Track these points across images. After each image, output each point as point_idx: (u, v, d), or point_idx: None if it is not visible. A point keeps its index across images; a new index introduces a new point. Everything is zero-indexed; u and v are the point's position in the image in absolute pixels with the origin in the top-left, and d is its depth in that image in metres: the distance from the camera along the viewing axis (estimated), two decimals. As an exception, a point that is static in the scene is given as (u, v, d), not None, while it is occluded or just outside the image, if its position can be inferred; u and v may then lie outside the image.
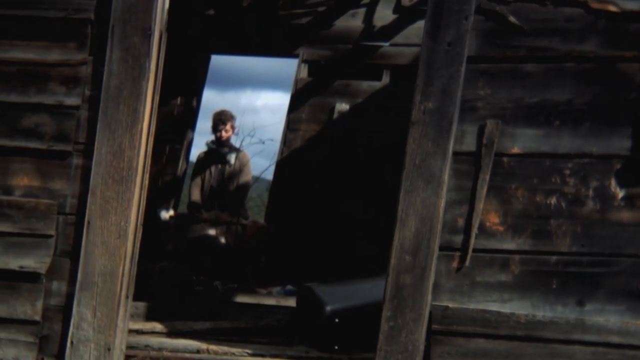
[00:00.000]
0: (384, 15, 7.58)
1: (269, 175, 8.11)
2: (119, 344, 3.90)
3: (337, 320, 4.36)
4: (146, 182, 3.96)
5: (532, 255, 3.61)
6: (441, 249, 3.66)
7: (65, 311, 3.89)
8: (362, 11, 7.68)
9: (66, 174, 3.92)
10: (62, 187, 3.92)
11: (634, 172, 3.56)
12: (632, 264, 3.54)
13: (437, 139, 3.65)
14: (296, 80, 7.83)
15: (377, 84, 7.67)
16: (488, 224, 3.65)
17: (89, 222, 3.85)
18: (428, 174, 3.65)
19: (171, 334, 4.53)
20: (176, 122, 8.16)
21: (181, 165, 8.27)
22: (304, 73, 7.84)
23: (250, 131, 8.45)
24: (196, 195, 7.22)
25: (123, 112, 3.85)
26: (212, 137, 7.28)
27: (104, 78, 3.87)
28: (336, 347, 4.26)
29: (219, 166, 7.21)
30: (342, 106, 7.61)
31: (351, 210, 7.30)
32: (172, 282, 5.94)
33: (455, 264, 3.66)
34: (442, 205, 3.64)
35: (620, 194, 3.57)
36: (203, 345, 4.16)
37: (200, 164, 7.36)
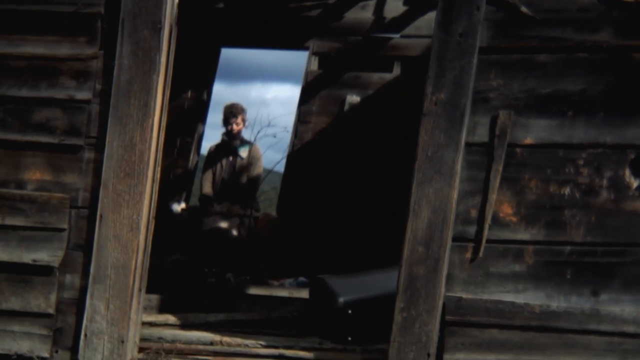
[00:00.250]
0: (395, 6, 7.54)
1: (281, 168, 8.11)
2: (132, 336, 3.91)
3: (350, 311, 4.35)
4: (158, 175, 3.97)
5: (546, 246, 3.60)
6: (454, 240, 3.65)
7: (79, 304, 3.91)
8: (372, 3, 7.64)
9: (78, 167, 3.93)
10: (74, 181, 3.93)
11: (649, 162, 3.54)
12: (646, 254, 3.53)
13: (449, 131, 3.64)
14: (306, 73, 7.81)
15: (387, 76, 7.64)
16: (501, 214, 3.63)
17: (101, 216, 3.86)
18: (440, 165, 3.64)
19: (184, 326, 4.54)
20: (187, 115, 8.17)
21: (192, 158, 8.28)
22: (315, 65, 7.82)
23: (265, 123, 8.45)
24: (207, 188, 7.23)
25: (134, 106, 3.86)
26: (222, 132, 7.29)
27: (115, 72, 3.87)
28: (349, 339, 4.26)
29: (230, 159, 7.21)
30: (353, 98, 7.59)
31: (359, 203, 7.28)
32: (185, 274, 5.95)
33: (468, 255, 3.65)
34: (454, 196, 3.63)
35: (635, 183, 3.55)
36: (216, 337, 4.17)
37: (211, 157, 7.37)
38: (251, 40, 8.03)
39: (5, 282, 3.95)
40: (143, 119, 3.85)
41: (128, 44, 3.85)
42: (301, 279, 6.22)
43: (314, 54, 7.79)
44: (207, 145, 7.94)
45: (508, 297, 3.61)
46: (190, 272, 6.05)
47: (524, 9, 3.61)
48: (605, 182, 3.57)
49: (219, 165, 7.23)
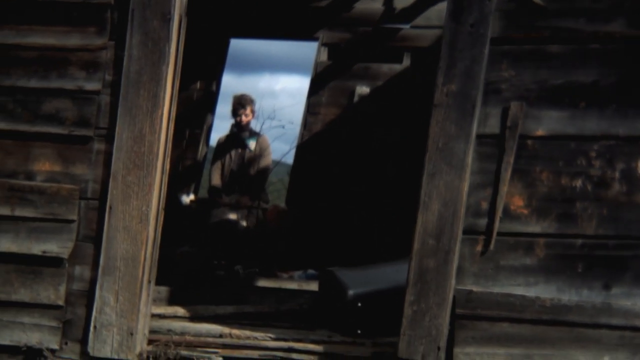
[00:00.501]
0: (404, -4, 7.50)
1: (290, 159, 8.08)
2: (142, 328, 3.91)
3: (359, 304, 4.34)
4: (167, 166, 3.96)
5: (557, 239, 3.57)
6: (465, 232, 3.62)
7: (88, 296, 3.91)
8: (382, -7, 7.60)
9: (87, 158, 3.93)
10: (84, 172, 3.93)
11: (662, 154, 3.51)
12: (659, 247, 3.50)
13: (461, 122, 3.61)
14: (316, 64, 7.78)
15: (397, 67, 7.60)
16: (512, 207, 3.61)
17: (110, 207, 3.85)
18: (451, 157, 3.61)
19: (193, 318, 4.53)
20: (196, 106, 8.15)
21: (201, 149, 8.27)
22: (324, 56, 7.79)
23: (270, 114, 8.44)
24: (216, 180, 7.23)
25: (143, 97, 3.84)
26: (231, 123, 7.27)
27: (124, 63, 3.86)
28: (359, 332, 4.24)
29: (239, 150, 7.20)
30: (363, 89, 7.56)
31: (369, 195, 7.26)
32: (194, 266, 5.95)
33: (479, 248, 3.62)
34: (465, 188, 3.61)
35: (647, 176, 3.52)
36: (226, 330, 4.16)
37: (220, 148, 7.35)
38: (260, 31, 8.00)
39: (15, 274, 3.95)
40: (152, 109, 3.84)
41: (138, 34, 3.84)
42: (310, 271, 6.20)
43: (323, 44, 7.75)
44: (216, 136, 7.93)
45: (519, 291, 3.59)
46: (199, 264, 6.06)
47: (536, -1, 3.58)
48: (617, 175, 3.53)
49: (228, 157, 7.22)
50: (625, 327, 3.51)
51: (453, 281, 3.62)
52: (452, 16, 3.64)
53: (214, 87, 8.31)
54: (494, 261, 3.61)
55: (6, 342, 3.96)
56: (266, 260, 6.45)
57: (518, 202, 3.61)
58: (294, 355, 3.94)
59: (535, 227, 3.59)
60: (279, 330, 4.25)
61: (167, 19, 3.83)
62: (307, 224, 7.16)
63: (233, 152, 7.20)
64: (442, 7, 7.12)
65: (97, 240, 3.89)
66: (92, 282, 3.89)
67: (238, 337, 4.11)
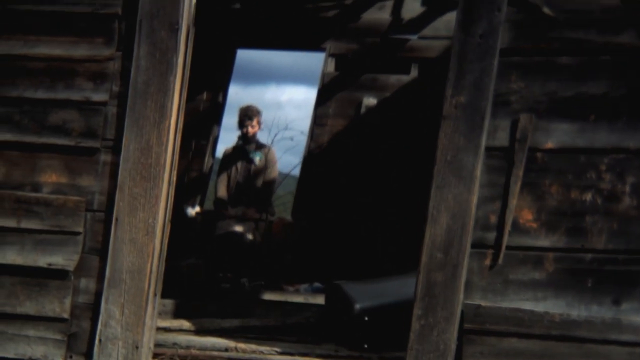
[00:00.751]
0: (412, 7, 7.49)
1: (298, 172, 8.08)
2: (147, 341, 3.88)
3: (366, 318, 4.31)
4: (174, 178, 3.93)
5: (566, 253, 3.53)
6: (473, 246, 3.58)
7: (94, 309, 3.88)
8: (389, 3, 7.60)
9: (94, 170, 3.90)
10: (90, 184, 3.90)
11: (673, 168, 3.47)
12: (670, 262, 3.45)
13: (469, 134, 3.58)
14: (323, 75, 7.77)
15: (405, 78, 7.59)
16: (521, 220, 3.57)
17: (117, 219, 3.83)
18: (460, 169, 3.58)
19: (199, 331, 4.51)
20: (202, 117, 8.15)
21: (207, 161, 8.26)
22: (331, 67, 7.78)
23: (283, 125, 8.45)
24: (222, 192, 7.21)
25: (151, 108, 3.83)
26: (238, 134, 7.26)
27: (132, 73, 3.84)
28: (366, 346, 4.21)
29: (245, 162, 7.18)
30: (370, 100, 7.54)
31: (376, 207, 7.23)
32: (199, 279, 5.93)
33: (487, 262, 3.58)
34: (474, 201, 3.57)
35: (659, 190, 3.48)
36: (231, 344, 4.13)
37: (226, 160, 7.34)
38: (267, 42, 8.00)
39: (20, 286, 3.92)
40: (160, 120, 3.82)
41: (145, 45, 3.82)
42: (316, 284, 6.18)
43: (330, 55, 7.75)
44: (222, 148, 7.92)
45: (527, 306, 3.54)
46: (204, 276, 6.03)
47: (546, 10, 3.55)
48: (627, 188, 3.50)
49: (234, 169, 7.20)
50: (635, 344, 3.46)
51: (461, 295, 3.58)
52: (461, 27, 3.61)
53: (220, 98, 8.30)
54: (503, 275, 3.57)
55: (11, 355, 3.93)
56: (272, 273, 6.43)
57: (527, 216, 3.57)
58: (301, 370, 3.92)
59: (544, 241, 3.55)
60: (285, 344, 4.22)
61: (174, 30, 3.81)
62: (314, 236, 7.13)
63: (239, 164, 7.19)
64: (450, 17, 7.15)
65: (103, 253, 3.86)
66: (98, 294, 3.86)
67: (244, 351, 4.08)
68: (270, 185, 7.23)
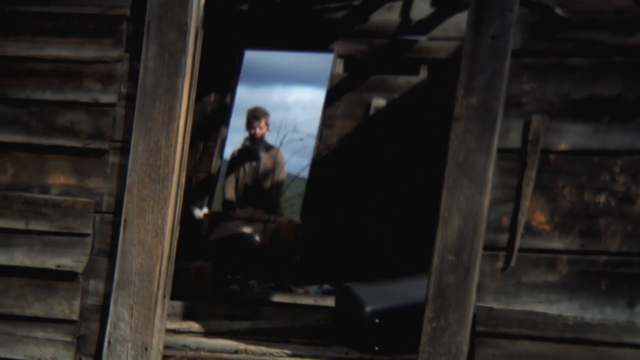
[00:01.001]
0: (422, 8, 7.46)
1: (307, 174, 8.05)
2: (156, 343, 3.86)
3: (377, 320, 4.28)
4: (183, 180, 3.92)
5: (580, 255, 3.50)
6: (485, 248, 3.56)
7: (102, 310, 3.87)
8: (398, 4, 7.56)
9: (102, 172, 3.89)
10: (99, 186, 3.89)
11: (688, 169, 3.43)
12: (685, 265, 3.42)
13: (481, 135, 3.55)
14: (331, 76, 7.75)
15: (414, 79, 7.55)
16: (534, 222, 3.54)
17: (125, 221, 3.81)
18: (472, 171, 3.55)
19: (208, 333, 4.48)
20: (210, 119, 8.13)
21: (215, 162, 8.24)
22: (340, 68, 7.75)
23: (291, 127, 8.44)
24: (230, 193, 7.19)
25: (159, 109, 3.81)
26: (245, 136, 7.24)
27: (140, 75, 3.82)
28: (376, 348, 4.18)
29: (253, 164, 7.16)
30: (379, 102, 7.51)
31: (384, 209, 7.21)
32: (208, 281, 5.90)
33: (500, 264, 3.55)
34: (486, 203, 3.54)
35: (673, 192, 3.45)
36: (241, 346, 4.10)
37: (234, 162, 7.32)
38: (275, 43, 7.98)
39: (29, 288, 3.91)
40: (168, 122, 3.80)
41: (154, 46, 3.81)
42: (326, 286, 6.16)
43: (339, 56, 7.72)
44: (230, 149, 7.90)
45: (540, 308, 3.51)
46: (213, 278, 6.01)
47: (558, 10, 3.52)
48: (641, 190, 3.46)
49: (242, 170, 7.18)
50: (650, 347, 3.43)
51: (473, 298, 3.55)
52: (473, 28, 3.58)
53: (228, 99, 8.28)
54: (515, 278, 3.54)
55: (20, 357, 3.92)
56: (281, 275, 6.40)
57: (540, 218, 3.54)
58: (311, 372, 3.89)
59: (557, 244, 3.52)
60: (295, 346, 4.19)
61: (183, 31, 3.80)
62: (322, 238, 7.11)
63: (247, 166, 7.17)
64: (460, 18, 7.12)
65: (111, 255, 3.85)
66: (107, 296, 3.85)
67: (254, 353, 4.06)
68: (278, 186, 7.21)
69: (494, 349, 3.54)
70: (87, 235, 3.87)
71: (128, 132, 3.84)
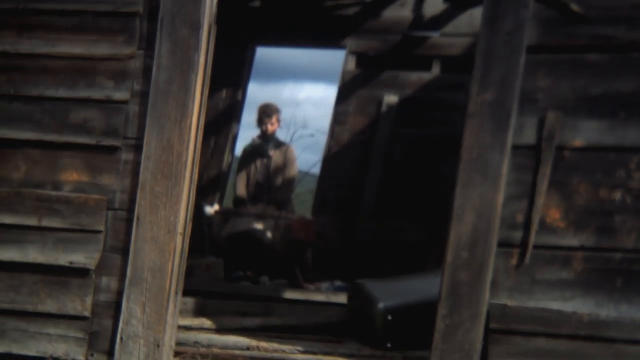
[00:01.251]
0: (434, 4, 7.41)
1: (318, 171, 8.04)
2: (169, 340, 3.85)
3: (390, 317, 4.26)
4: (195, 176, 3.91)
5: (595, 252, 3.47)
6: (499, 245, 3.54)
7: (115, 307, 3.87)
8: (411, 0, 7.52)
9: (115, 169, 3.89)
10: (111, 182, 3.89)
11: None
12: (702, 262, 3.39)
13: (495, 132, 3.53)
14: (343, 72, 7.71)
15: (426, 75, 7.52)
16: (548, 219, 3.51)
17: (138, 218, 3.81)
18: (486, 167, 3.53)
19: (220, 330, 4.48)
20: (221, 115, 8.12)
21: (226, 159, 8.23)
22: (352, 65, 7.71)
23: (302, 123, 8.42)
24: (241, 190, 7.18)
25: (172, 106, 3.80)
26: (257, 133, 7.23)
27: (153, 72, 3.82)
28: (389, 345, 4.17)
29: (264, 160, 7.15)
30: (391, 98, 7.48)
31: (396, 205, 7.19)
32: (219, 277, 5.90)
33: (514, 261, 3.53)
34: (500, 200, 3.52)
35: (689, 189, 3.42)
36: (253, 342, 4.10)
37: (245, 158, 7.31)
38: (287, 39, 7.96)
39: (42, 284, 3.92)
40: (181, 119, 3.79)
41: (167, 43, 3.80)
42: (337, 282, 6.14)
43: (351, 53, 7.69)
44: (241, 145, 7.89)
45: (555, 305, 3.49)
46: (224, 275, 6.01)
47: (574, 6, 3.49)
48: (657, 188, 3.44)
49: (253, 167, 7.17)
50: (666, 344, 3.40)
51: (487, 295, 3.53)
52: (487, 24, 3.56)
53: (239, 96, 8.27)
54: (530, 275, 3.52)
55: (32, 353, 3.92)
56: (292, 272, 6.39)
57: (554, 215, 3.51)
58: (323, 369, 3.88)
59: (572, 241, 3.49)
60: (307, 342, 4.18)
61: (196, 28, 3.79)
62: (334, 234, 7.09)
63: (258, 162, 7.16)
64: (473, 14, 7.09)
65: (124, 251, 3.85)
66: (119, 293, 3.85)
67: (266, 350, 4.05)
68: (289, 183, 7.19)
69: (508, 346, 3.52)
70: (99, 232, 3.87)
71: (141, 129, 3.84)
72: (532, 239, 3.51)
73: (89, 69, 3.92)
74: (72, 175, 3.93)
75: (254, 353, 4.05)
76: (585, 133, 3.49)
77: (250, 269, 6.36)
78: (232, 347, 4.11)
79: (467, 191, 3.54)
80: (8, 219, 3.94)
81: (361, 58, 7.69)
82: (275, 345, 4.09)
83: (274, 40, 8.12)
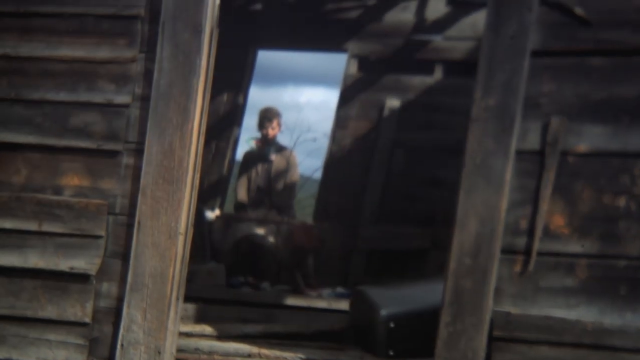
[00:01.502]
0: (437, 8, 7.40)
1: (320, 176, 8.00)
2: (169, 346, 3.82)
3: (392, 324, 4.23)
4: (197, 181, 3.89)
5: (599, 260, 3.44)
6: (503, 252, 3.50)
7: (115, 313, 3.84)
8: (413, 4, 7.50)
9: (116, 173, 3.86)
10: (112, 187, 3.86)
11: None
12: None
13: (499, 137, 3.50)
14: (345, 76, 7.70)
15: (429, 79, 7.50)
16: (552, 226, 3.48)
17: (139, 223, 3.78)
18: (489, 173, 3.50)
19: (221, 337, 4.45)
20: (222, 119, 8.10)
21: (227, 163, 8.21)
22: (353, 68, 7.70)
23: (304, 128, 8.40)
24: (242, 195, 7.15)
25: (173, 110, 3.78)
26: (255, 136, 7.21)
27: (155, 76, 3.80)
28: (391, 353, 4.14)
29: (265, 165, 7.12)
30: (393, 102, 7.46)
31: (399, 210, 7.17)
32: (220, 283, 5.87)
33: (517, 268, 3.50)
34: (504, 206, 3.49)
35: (695, 195, 3.39)
36: (254, 349, 4.07)
37: (246, 163, 7.29)
38: (289, 43, 7.95)
39: (42, 290, 3.89)
40: (183, 123, 3.77)
41: (168, 46, 3.78)
42: (339, 289, 6.11)
43: (353, 56, 7.67)
44: (242, 150, 7.87)
45: (559, 313, 3.46)
46: (225, 280, 5.98)
47: (578, 10, 3.46)
48: (662, 194, 3.41)
49: (254, 172, 7.14)
50: (671, 353, 3.37)
51: (490, 302, 3.50)
52: (491, 28, 3.53)
53: (240, 100, 8.25)
54: (533, 282, 3.49)
55: (32, 359, 3.89)
56: (293, 278, 6.36)
57: (558, 221, 3.48)
58: (325, 377, 3.85)
59: (576, 247, 3.46)
60: (309, 350, 4.15)
61: (198, 31, 3.77)
62: (336, 240, 7.06)
63: (259, 167, 7.13)
64: (475, 18, 7.07)
65: (125, 257, 3.82)
66: (120, 299, 3.82)
67: (267, 357, 4.02)
68: (291, 188, 7.16)
69: (512, 354, 3.49)
70: (100, 237, 3.85)
71: (142, 133, 3.82)
72: (536, 245, 3.48)
73: (90, 73, 3.90)
74: (72, 180, 3.91)
75: (256, 360, 4.02)
76: (589, 138, 3.46)
77: (252, 274, 6.33)
78: (233, 354, 4.08)
79: (470, 197, 3.52)
80: (8, 224, 3.91)
81: (363, 62, 7.67)
82: (276, 352, 4.06)
83: (275, 44, 8.10)
